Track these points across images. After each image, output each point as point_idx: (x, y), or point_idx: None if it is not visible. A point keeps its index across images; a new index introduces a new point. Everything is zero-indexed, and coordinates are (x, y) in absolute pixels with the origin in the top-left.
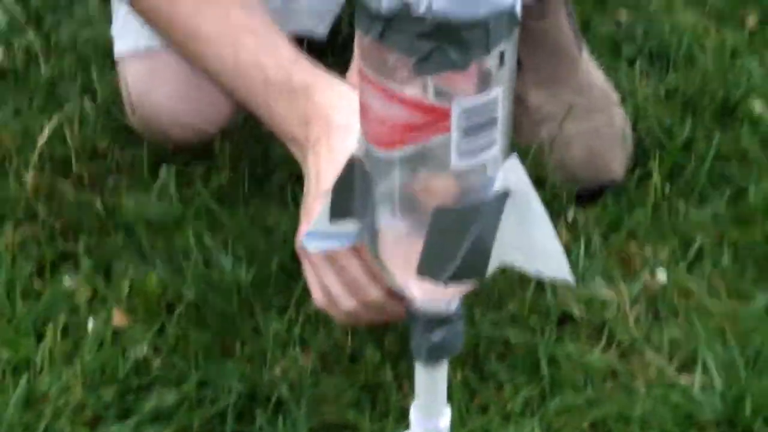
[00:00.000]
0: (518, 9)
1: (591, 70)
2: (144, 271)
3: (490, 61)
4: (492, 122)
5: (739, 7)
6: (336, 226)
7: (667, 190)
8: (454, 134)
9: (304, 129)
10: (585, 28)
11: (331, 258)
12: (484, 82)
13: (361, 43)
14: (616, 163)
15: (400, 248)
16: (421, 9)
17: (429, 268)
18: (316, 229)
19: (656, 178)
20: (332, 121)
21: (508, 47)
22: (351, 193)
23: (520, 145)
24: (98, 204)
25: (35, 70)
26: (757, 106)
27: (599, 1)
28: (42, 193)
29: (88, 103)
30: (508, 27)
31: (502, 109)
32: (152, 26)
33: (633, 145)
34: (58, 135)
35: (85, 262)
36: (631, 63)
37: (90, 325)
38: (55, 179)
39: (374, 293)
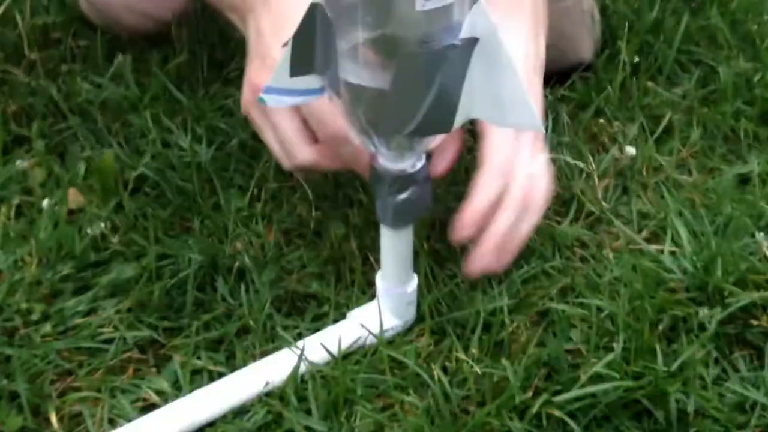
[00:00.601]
0: None
1: None
2: (100, 152)
3: None
4: None
5: None
6: (297, 82)
7: (635, 70)
8: None
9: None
10: None
11: (265, 115)
12: None
13: None
14: (585, 44)
15: (364, 99)
16: None
17: (393, 119)
18: (275, 84)
19: (624, 55)
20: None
21: None
22: (312, 46)
23: None
24: (52, 89)
25: None
26: None
27: None
28: None
29: None
30: None
31: None
32: None
33: (601, 30)
34: (8, 21)
35: (39, 144)
36: None
37: (45, 204)
38: (6, 65)
39: (302, 155)
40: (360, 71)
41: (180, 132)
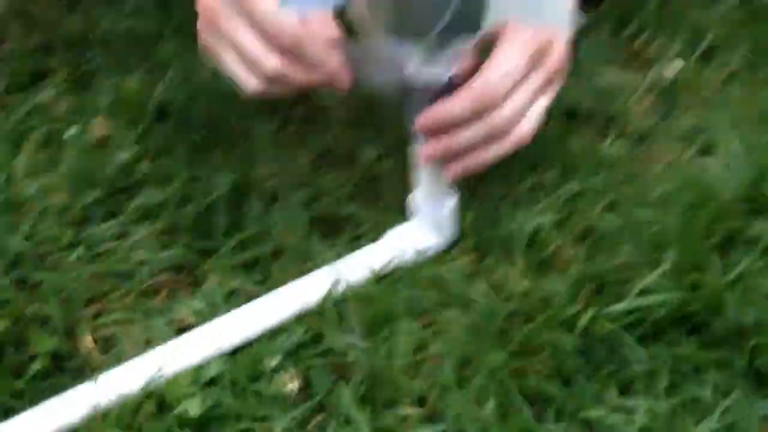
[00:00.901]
0: None
1: None
2: (125, 81)
3: None
4: None
5: None
6: None
7: None
8: None
9: None
10: None
11: (222, 37)
12: None
13: None
14: None
15: (386, 5)
16: None
17: (419, 21)
18: None
19: None
20: None
21: None
22: None
23: None
24: (73, 22)
25: None
26: None
27: None
28: (13, 13)
29: None
30: None
31: None
32: None
33: None
34: None
35: (62, 74)
36: None
37: (71, 132)
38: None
39: (270, 63)
40: None
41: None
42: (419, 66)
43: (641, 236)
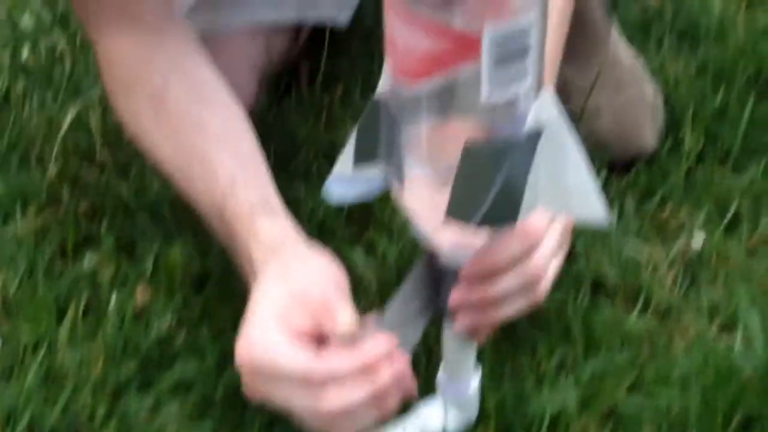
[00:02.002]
0: None
1: (620, 46)
2: (168, 248)
3: None
4: (524, 51)
5: None
6: (360, 172)
7: (701, 157)
8: (485, 64)
9: (248, 264)
10: (613, 10)
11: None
12: (516, 5)
13: None
14: (647, 133)
15: (428, 194)
16: None
17: (458, 211)
18: (339, 176)
19: (689, 141)
20: (261, 269)
21: None
22: (376, 138)
23: None
24: (122, 187)
25: (60, 67)
26: None
27: None
28: (65, 179)
29: None
30: None
31: (534, 37)
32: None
33: (664, 119)
34: (82, 123)
35: (108, 241)
36: (660, 43)
37: (113, 301)
38: (78, 166)
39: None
40: (423, 163)
41: None
42: (454, 249)
43: (663, 418)
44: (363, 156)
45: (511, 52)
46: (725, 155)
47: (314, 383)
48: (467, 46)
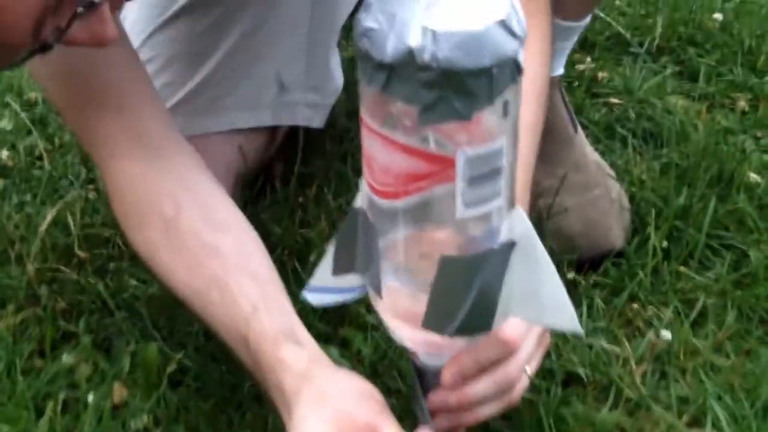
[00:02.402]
0: (521, 58)
1: (586, 148)
2: (145, 346)
3: (494, 111)
4: (497, 172)
5: (728, 92)
6: (338, 281)
7: (667, 254)
8: (459, 184)
9: (277, 393)
10: (578, 113)
11: None
12: (489, 131)
13: (364, 94)
14: (614, 232)
15: (404, 304)
16: (426, 56)
17: (434, 321)
18: (317, 283)
19: (654, 240)
20: (294, 398)
21: (511, 97)
22: (354, 247)
23: None
24: (100, 286)
25: (39, 168)
26: (752, 175)
27: (591, 89)
28: (44, 278)
29: (91, 194)
30: (512, 76)
31: (506, 159)
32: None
33: (630, 217)
34: (61, 223)
35: (86, 340)
36: (625, 143)
37: (90, 399)
38: (57, 265)
39: None
40: (400, 274)
41: None
42: (428, 359)
43: None
44: (341, 265)
45: (484, 173)
46: (690, 253)
47: None
48: (442, 167)
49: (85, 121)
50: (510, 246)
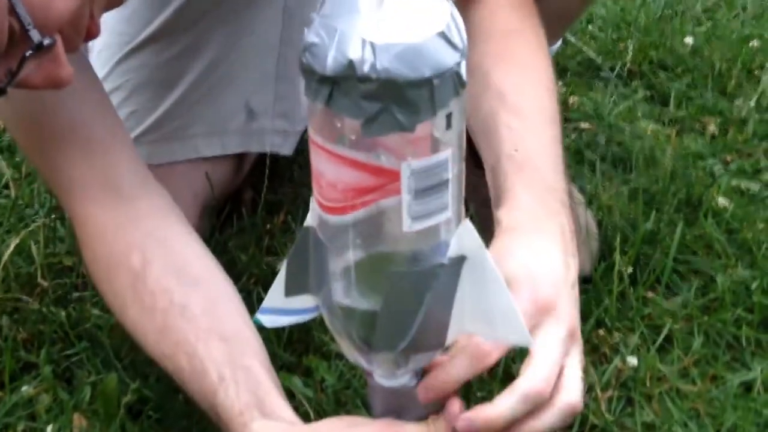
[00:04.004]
0: (463, 70)
1: None
2: (106, 376)
3: (438, 123)
4: (443, 184)
5: (699, 116)
6: (292, 301)
7: (633, 280)
8: (405, 196)
9: None
10: None
11: None
12: (433, 143)
13: (309, 110)
14: (581, 257)
15: (358, 318)
16: (366, 68)
17: (386, 338)
18: (271, 305)
19: (621, 265)
20: None
21: (455, 109)
22: (306, 266)
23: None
24: (62, 315)
25: (4, 196)
26: (720, 200)
27: (561, 114)
28: (5, 308)
29: (56, 223)
30: (455, 88)
31: (452, 172)
32: None
33: (599, 243)
34: (24, 252)
35: (46, 370)
36: (593, 168)
37: (49, 430)
38: (20, 294)
39: None
40: (351, 292)
41: None
42: (383, 376)
43: None
44: (294, 286)
45: (430, 186)
46: (657, 279)
47: None
48: (388, 179)
49: (52, 163)
50: (460, 261)
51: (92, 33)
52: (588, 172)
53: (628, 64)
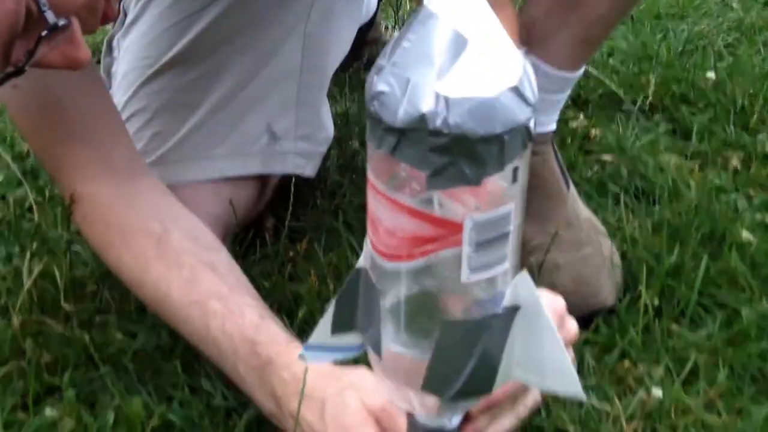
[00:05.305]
0: (533, 125)
1: (578, 205)
2: (130, 400)
3: (504, 177)
4: (504, 237)
5: (721, 150)
6: (337, 339)
7: (658, 312)
8: (466, 248)
9: (277, 404)
10: (571, 170)
11: None
12: (498, 197)
13: (372, 155)
14: (605, 289)
15: (405, 363)
16: (438, 122)
17: (434, 383)
18: (316, 342)
19: (646, 298)
20: (320, 384)
21: (521, 163)
22: (354, 305)
23: None
24: (86, 339)
25: (28, 220)
26: (745, 234)
27: (583, 146)
28: (29, 331)
29: (79, 247)
30: (523, 143)
31: (513, 224)
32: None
33: (622, 275)
34: (48, 276)
35: (70, 393)
36: (617, 200)
37: None
38: (43, 317)
39: None
40: (400, 336)
41: (209, 379)
42: (423, 418)
43: None
44: (341, 324)
45: (491, 238)
46: (682, 311)
47: None
48: (449, 231)
49: (54, 145)
50: (513, 310)
51: (108, 16)
52: (611, 204)
53: (650, 98)
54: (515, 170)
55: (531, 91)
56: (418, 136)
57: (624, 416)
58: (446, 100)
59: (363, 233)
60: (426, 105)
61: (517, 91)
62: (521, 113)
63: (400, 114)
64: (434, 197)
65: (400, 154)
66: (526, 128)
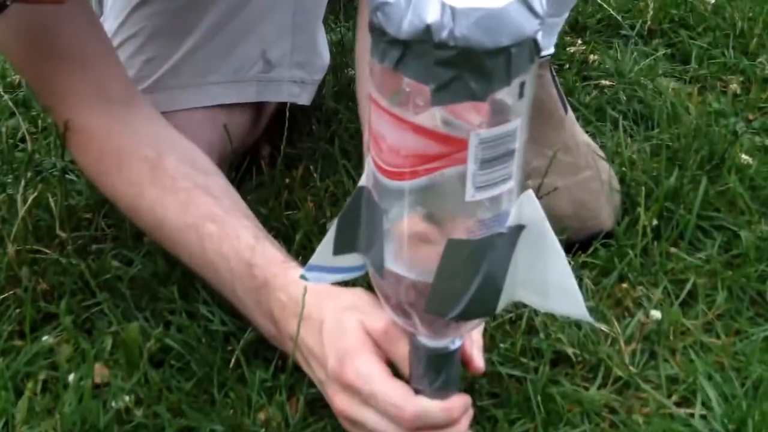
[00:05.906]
0: (540, 38)
1: (576, 129)
2: (127, 326)
3: (511, 92)
4: (509, 154)
5: (720, 74)
6: (339, 260)
7: (657, 235)
8: (471, 166)
9: (274, 325)
10: (569, 95)
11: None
12: (503, 113)
13: (375, 70)
14: (604, 213)
15: (407, 284)
16: (443, 34)
17: (438, 304)
18: (317, 262)
19: (644, 220)
20: (319, 304)
21: (528, 78)
22: (357, 225)
23: None
24: (82, 266)
25: (21, 149)
26: (743, 157)
27: (581, 71)
28: (25, 259)
29: (73, 176)
30: (530, 57)
31: (520, 141)
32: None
33: (621, 199)
34: (42, 205)
35: (67, 320)
36: (616, 125)
37: (70, 379)
38: (38, 246)
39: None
40: (402, 257)
41: (206, 304)
42: (426, 339)
43: None
44: (343, 245)
45: (496, 156)
46: (680, 234)
47: (404, 420)
48: (454, 148)
49: (47, 75)
50: (518, 230)
51: None
52: (610, 128)
53: (649, 23)
54: (522, 85)
55: (539, 4)
56: (423, 49)
57: (623, 338)
58: (452, 10)
59: (359, 159)
60: (431, 16)
61: (524, 2)
62: (529, 25)
63: (405, 25)
64: (439, 113)
65: (404, 67)
66: (534, 41)
